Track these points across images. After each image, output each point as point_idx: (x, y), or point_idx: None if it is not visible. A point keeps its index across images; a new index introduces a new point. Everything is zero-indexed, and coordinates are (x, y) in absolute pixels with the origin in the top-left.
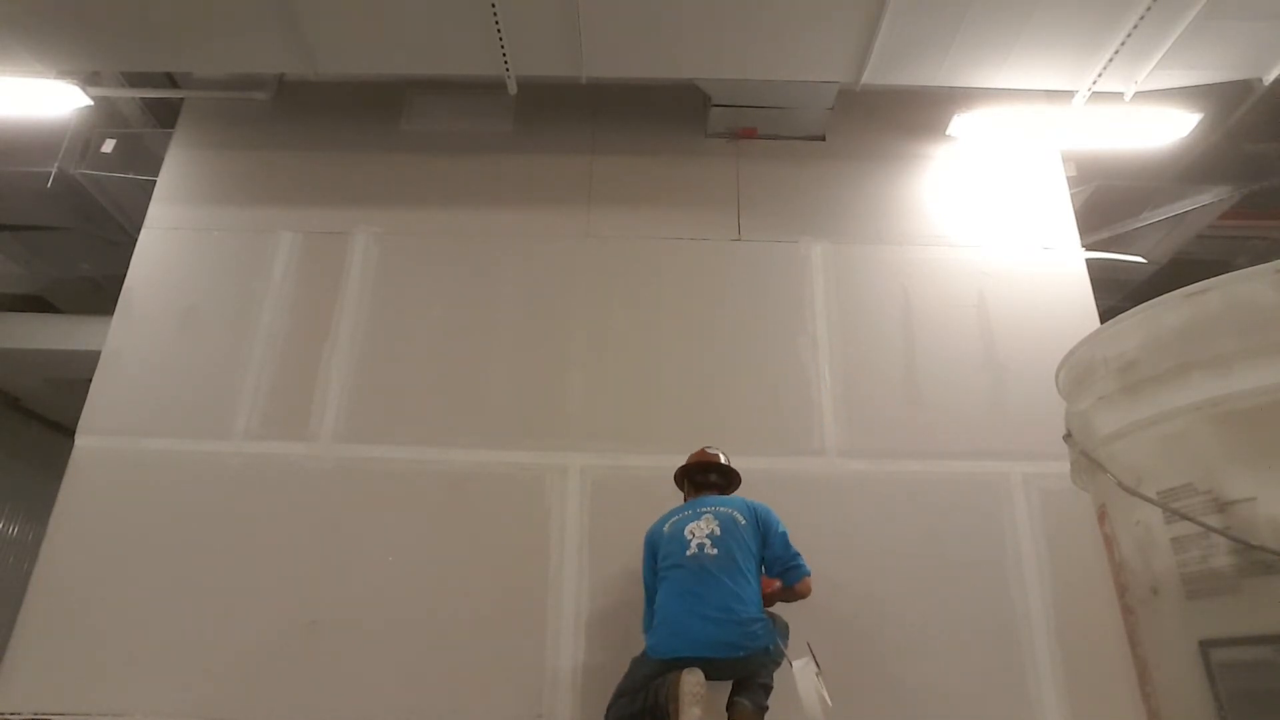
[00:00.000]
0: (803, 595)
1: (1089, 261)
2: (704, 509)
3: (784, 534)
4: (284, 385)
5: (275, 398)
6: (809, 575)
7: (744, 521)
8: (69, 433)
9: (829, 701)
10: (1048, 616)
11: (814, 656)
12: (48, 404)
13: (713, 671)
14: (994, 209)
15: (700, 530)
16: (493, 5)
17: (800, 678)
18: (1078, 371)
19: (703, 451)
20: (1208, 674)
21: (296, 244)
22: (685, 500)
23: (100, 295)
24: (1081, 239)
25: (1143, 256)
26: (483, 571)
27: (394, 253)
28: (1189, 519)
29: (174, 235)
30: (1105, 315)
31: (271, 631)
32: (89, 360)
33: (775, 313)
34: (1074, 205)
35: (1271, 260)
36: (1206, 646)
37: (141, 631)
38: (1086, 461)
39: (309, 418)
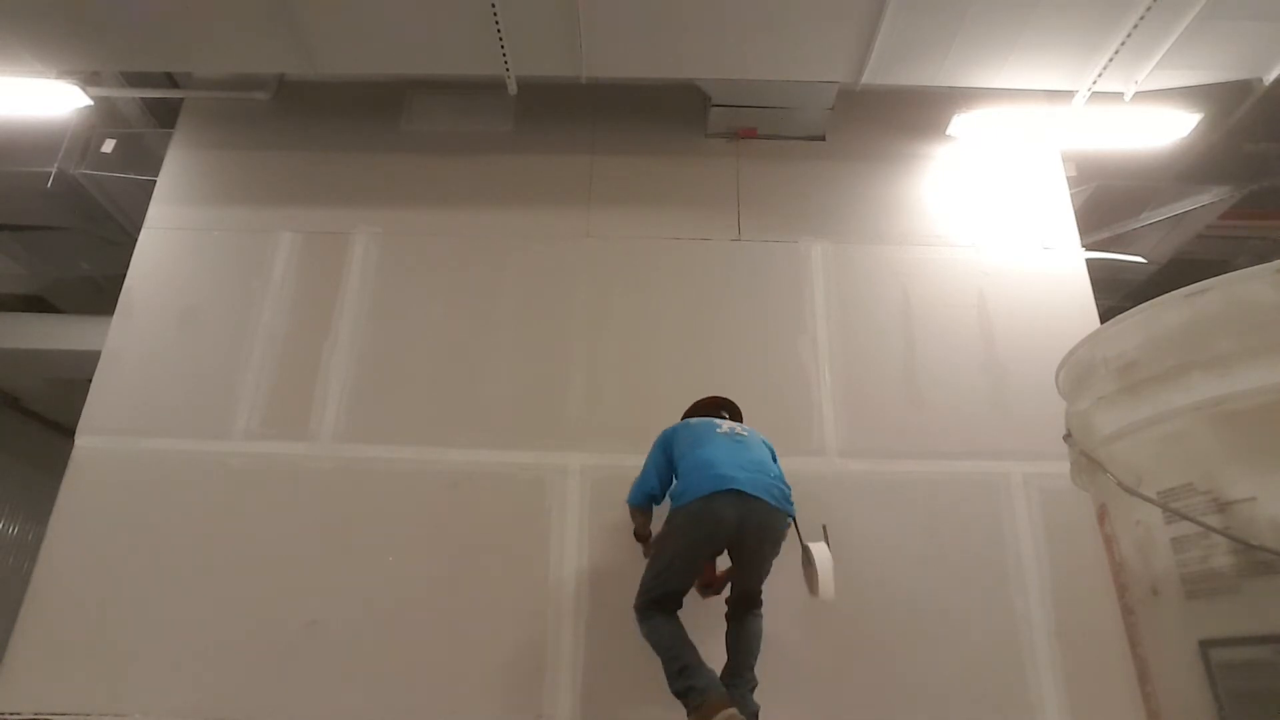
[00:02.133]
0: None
1: (1089, 261)
2: (724, 421)
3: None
4: (284, 385)
5: (275, 398)
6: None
7: (763, 439)
8: (69, 433)
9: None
10: (1048, 616)
11: (827, 539)
12: (48, 404)
13: (746, 518)
14: (994, 209)
15: (727, 425)
16: (493, 5)
17: (820, 559)
18: (1078, 371)
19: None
20: (1208, 674)
21: (296, 244)
22: None
23: (100, 295)
24: (1081, 239)
25: (1143, 256)
26: (483, 571)
27: (394, 253)
28: (1189, 519)
29: (174, 235)
30: (1105, 315)
31: (271, 631)
32: (89, 360)
33: (775, 313)
34: (1074, 205)
35: (1271, 260)
36: (1206, 646)
37: (141, 631)
38: (1086, 461)
39: (309, 418)
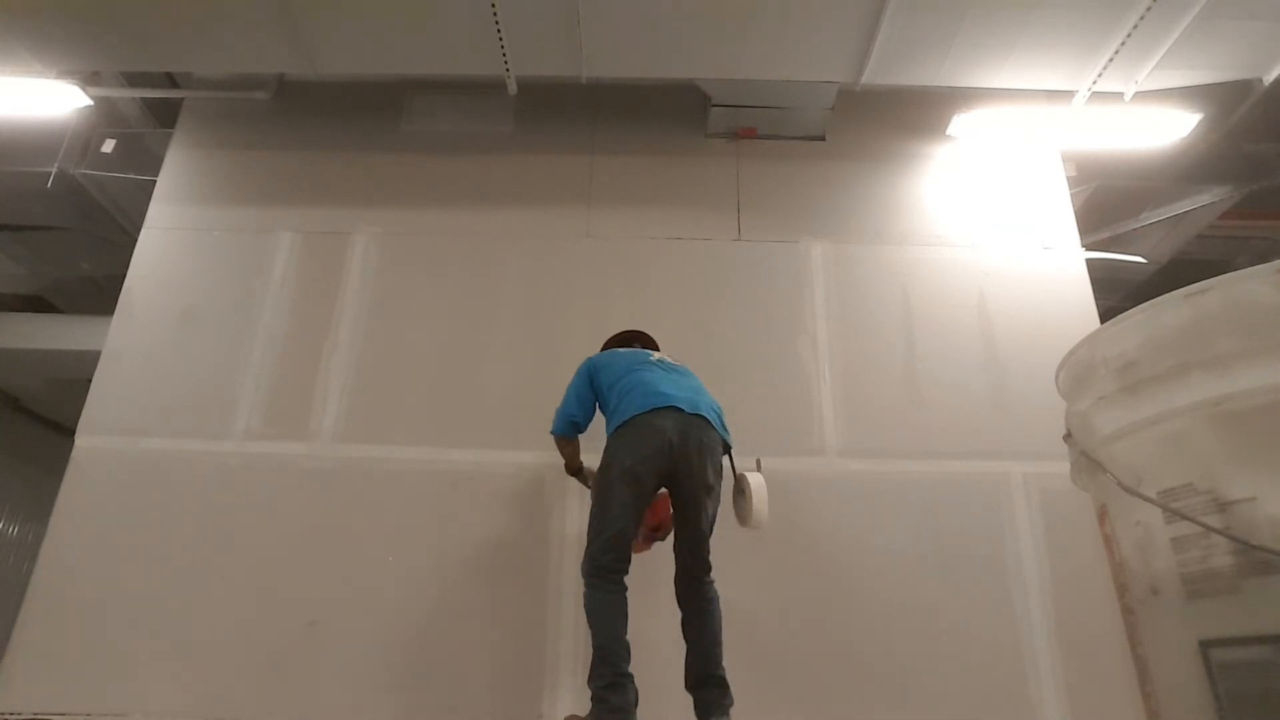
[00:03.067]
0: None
1: (1089, 261)
2: (655, 354)
3: None
4: (284, 385)
5: (275, 398)
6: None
7: (687, 370)
8: (69, 433)
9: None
10: (1048, 616)
11: (760, 469)
12: (48, 404)
13: (688, 433)
14: (994, 209)
15: (659, 358)
16: (493, 5)
17: (754, 486)
18: (1078, 371)
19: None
20: (1208, 674)
21: (296, 244)
22: None
23: (100, 295)
24: (1081, 239)
25: (1143, 256)
26: (483, 571)
27: (394, 253)
28: (1189, 519)
29: (174, 235)
30: (1105, 315)
31: (271, 631)
32: (89, 360)
33: (775, 313)
34: (1074, 205)
35: (1271, 260)
36: (1206, 646)
37: (141, 631)
38: (1086, 461)
39: (309, 418)
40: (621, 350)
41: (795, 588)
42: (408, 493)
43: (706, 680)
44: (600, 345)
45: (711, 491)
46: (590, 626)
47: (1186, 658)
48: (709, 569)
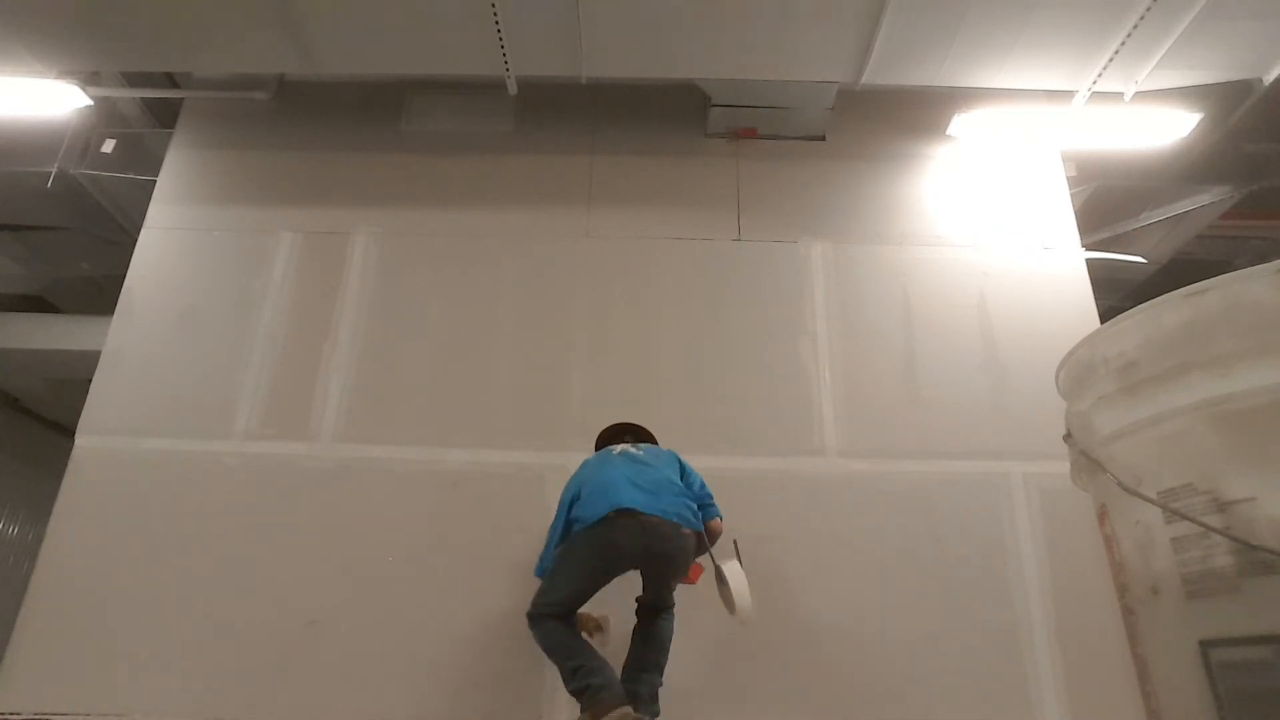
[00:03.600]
0: (715, 535)
1: (1089, 261)
2: (620, 445)
3: (699, 475)
4: (284, 385)
5: (275, 398)
6: (721, 518)
7: (663, 452)
8: (69, 433)
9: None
10: (1048, 616)
11: (739, 555)
12: (48, 404)
13: (648, 544)
14: (994, 209)
15: (621, 447)
16: (493, 5)
17: (732, 577)
18: (1078, 371)
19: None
20: (1208, 674)
21: (296, 244)
22: None
23: (100, 295)
24: (1081, 239)
25: (1143, 256)
26: (483, 571)
27: (394, 253)
28: (1189, 519)
29: (174, 235)
30: (1105, 315)
31: (271, 631)
32: (89, 360)
33: (775, 313)
34: (1074, 205)
35: (1271, 260)
36: (1206, 646)
37: (141, 631)
38: (1086, 461)
39: (309, 418)
40: (591, 457)
41: (795, 587)
42: (408, 492)
43: (643, 665)
44: (603, 348)
45: (672, 579)
46: (550, 654)
47: (1186, 658)
48: (671, 605)
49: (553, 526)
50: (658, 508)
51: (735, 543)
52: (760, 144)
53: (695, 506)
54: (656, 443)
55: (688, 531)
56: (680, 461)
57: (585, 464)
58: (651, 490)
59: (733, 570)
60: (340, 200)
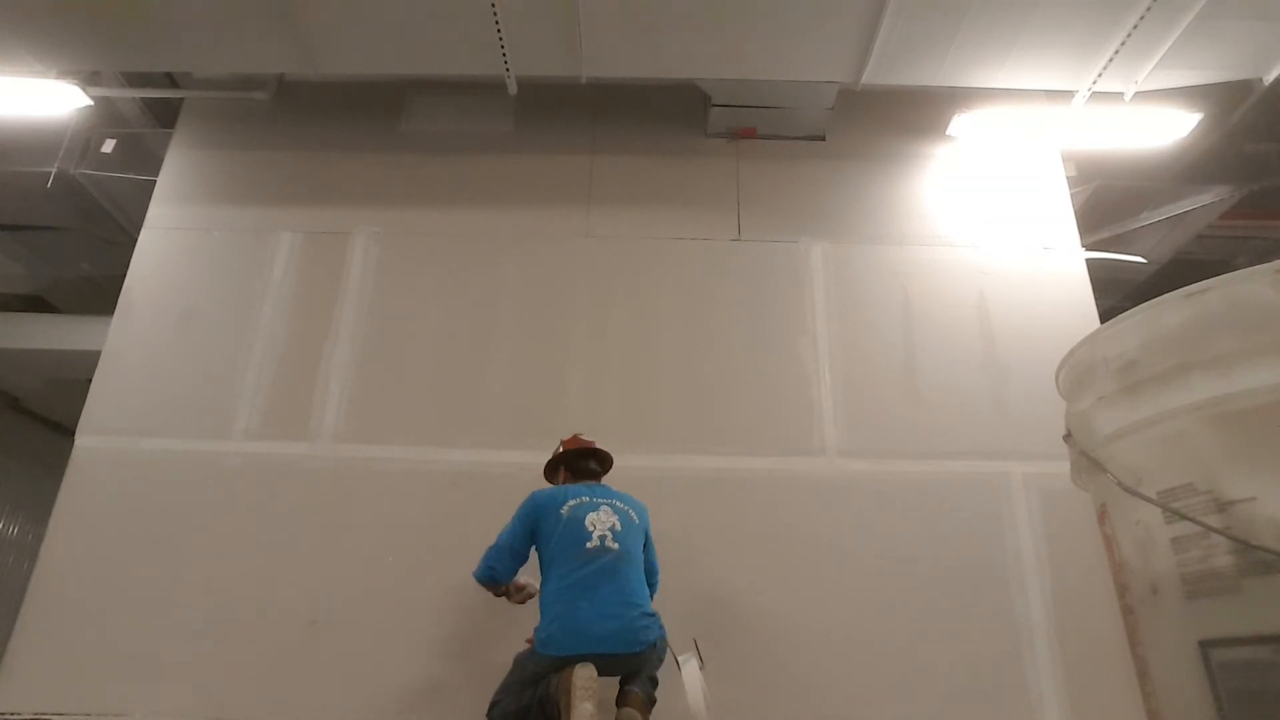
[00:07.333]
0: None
1: (1089, 261)
2: (601, 500)
3: (653, 544)
4: (284, 385)
5: (275, 398)
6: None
7: (637, 522)
8: (69, 433)
9: (709, 701)
10: (1048, 616)
11: (699, 654)
12: (48, 404)
13: (605, 667)
14: (994, 209)
15: (602, 523)
16: (493, 5)
17: (687, 677)
18: (1078, 371)
19: (577, 438)
20: (1208, 674)
21: (296, 244)
22: (560, 484)
23: (100, 295)
24: (1081, 239)
25: (1143, 256)
26: None
27: (394, 253)
28: (1189, 519)
29: (174, 235)
30: (1105, 315)
31: (271, 631)
32: (89, 360)
33: (775, 313)
34: (1074, 205)
35: (1271, 260)
36: (1206, 646)
37: (141, 631)
38: (1086, 461)
39: (309, 418)
40: (569, 503)
41: (795, 587)
42: (407, 492)
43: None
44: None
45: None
46: None
47: (1186, 657)
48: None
49: (507, 532)
50: (627, 637)
51: (695, 641)
52: (760, 144)
53: (651, 621)
54: (612, 462)
55: (645, 652)
56: (645, 527)
57: (552, 501)
58: (616, 616)
59: (690, 673)
60: (340, 200)
